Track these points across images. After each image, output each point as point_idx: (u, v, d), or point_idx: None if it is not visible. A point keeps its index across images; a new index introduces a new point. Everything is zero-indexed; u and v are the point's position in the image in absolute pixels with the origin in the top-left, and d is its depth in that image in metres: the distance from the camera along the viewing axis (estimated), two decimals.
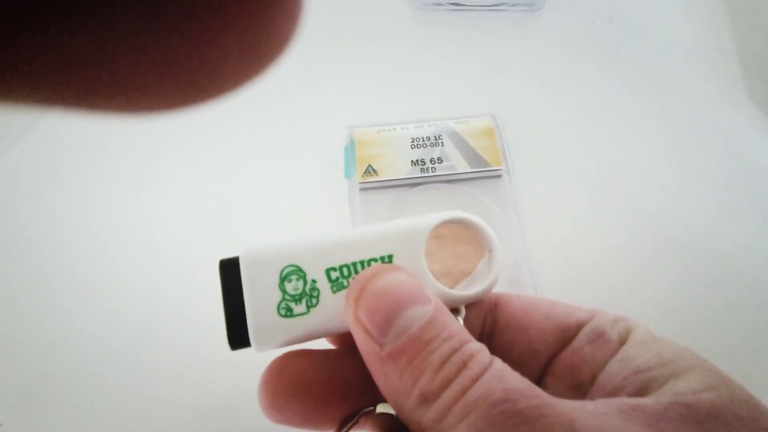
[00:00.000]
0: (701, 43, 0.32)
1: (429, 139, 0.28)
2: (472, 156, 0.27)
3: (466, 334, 0.13)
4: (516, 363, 0.14)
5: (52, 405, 0.24)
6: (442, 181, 0.27)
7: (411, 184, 0.27)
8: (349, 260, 0.14)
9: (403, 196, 0.26)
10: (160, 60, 0.06)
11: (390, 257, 0.14)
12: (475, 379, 0.11)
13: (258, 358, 0.16)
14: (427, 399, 0.12)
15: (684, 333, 0.25)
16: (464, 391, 0.11)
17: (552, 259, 0.26)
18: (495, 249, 0.15)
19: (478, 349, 0.12)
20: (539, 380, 0.15)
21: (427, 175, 0.27)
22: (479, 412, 0.11)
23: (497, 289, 0.16)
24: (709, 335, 0.25)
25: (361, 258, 0.14)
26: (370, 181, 0.27)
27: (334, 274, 0.14)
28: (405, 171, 0.27)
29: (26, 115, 0.30)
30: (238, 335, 0.14)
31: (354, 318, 0.13)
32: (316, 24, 0.32)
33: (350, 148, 0.28)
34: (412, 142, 0.28)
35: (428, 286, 0.14)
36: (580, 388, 0.14)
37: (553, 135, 0.29)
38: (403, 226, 0.14)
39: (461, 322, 0.15)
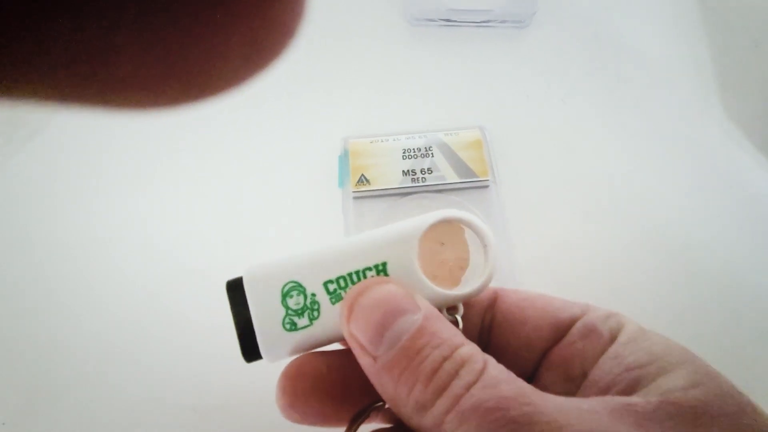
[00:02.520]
0: (680, 61, 0.34)
1: (420, 150, 0.29)
2: (461, 167, 0.28)
3: (457, 338, 0.13)
4: (513, 357, 0.16)
5: (53, 405, 0.25)
6: (431, 191, 0.28)
7: (402, 193, 0.28)
8: (344, 272, 0.14)
9: (394, 205, 0.28)
10: (162, 56, 0.06)
11: (384, 264, 0.14)
12: (468, 387, 0.12)
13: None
14: (423, 407, 0.12)
15: (665, 332, 0.26)
16: (458, 399, 0.12)
17: (536, 265, 0.27)
18: (489, 245, 0.15)
19: (469, 353, 0.12)
20: (534, 373, 0.16)
21: (417, 185, 0.28)
22: (475, 419, 0.11)
23: (495, 284, 0.16)
24: (690, 335, 0.26)
25: (356, 268, 0.14)
26: (363, 190, 0.28)
27: (331, 287, 0.14)
28: (396, 181, 0.28)
29: (35, 118, 0.31)
30: (250, 350, 0.15)
31: (348, 334, 0.14)
32: (313, 37, 0.34)
33: (344, 158, 0.29)
34: (404, 153, 0.29)
35: (421, 291, 0.14)
36: (573, 381, 0.15)
37: (538, 147, 0.31)
38: (395, 231, 0.15)
39: (459, 320, 0.15)
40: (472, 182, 0.28)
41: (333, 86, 0.33)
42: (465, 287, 0.15)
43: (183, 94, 0.07)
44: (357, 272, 0.14)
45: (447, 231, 0.26)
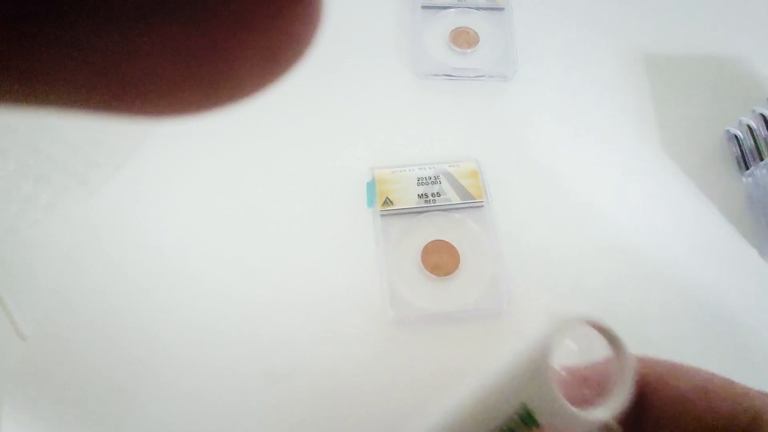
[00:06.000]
0: (628, 108, 0.43)
1: (430, 178, 0.37)
2: (462, 191, 0.37)
3: None
4: None
5: (151, 383, 0.32)
6: (440, 210, 0.36)
7: (418, 212, 0.36)
8: (490, 429, 0.13)
9: (412, 221, 0.36)
10: (182, 62, 0.06)
11: (524, 407, 0.13)
12: None
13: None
14: None
15: (636, 331, 0.34)
16: None
17: (522, 268, 0.36)
18: (623, 349, 0.14)
19: None
20: None
21: (429, 205, 0.36)
22: None
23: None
24: (642, 325, 0.35)
25: (499, 424, 0.13)
26: (389, 209, 0.36)
27: None
28: (413, 202, 0.36)
29: (124, 143, 0.39)
30: None
31: None
32: (339, 85, 0.42)
33: (372, 184, 0.38)
34: (418, 180, 0.37)
35: (570, 422, 0.13)
36: None
37: (520, 176, 0.39)
38: (519, 367, 0.13)
39: None
40: (470, 203, 0.37)
41: (359, 126, 0.41)
42: (605, 408, 0.13)
43: (202, 100, 0.07)
44: (502, 430, 0.13)
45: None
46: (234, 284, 0.35)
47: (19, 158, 0.35)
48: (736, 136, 0.41)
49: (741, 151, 0.40)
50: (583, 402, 0.14)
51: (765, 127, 0.38)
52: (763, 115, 0.38)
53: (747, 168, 0.39)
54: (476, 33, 0.45)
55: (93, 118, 0.06)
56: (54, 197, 0.37)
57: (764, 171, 0.37)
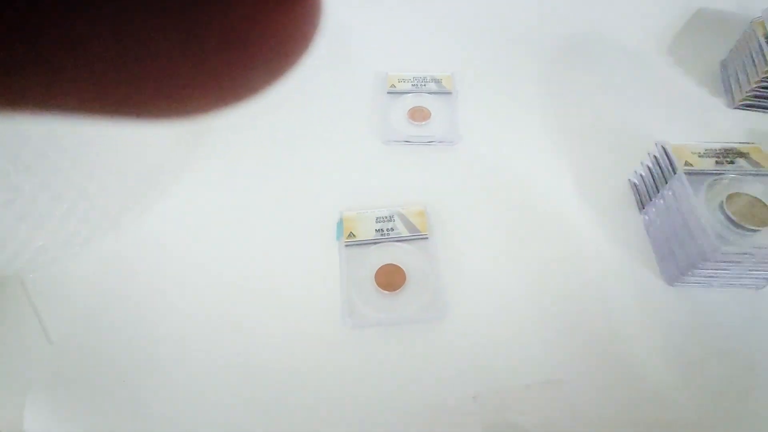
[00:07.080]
0: (547, 166, 0.54)
1: (386, 217, 0.47)
2: (411, 227, 0.47)
3: None
4: None
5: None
6: (392, 241, 0.46)
7: (374, 242, 0.46)
8: None
9: (370, 251, 0.45)
10: (189, 62, 0.06)
11: None
12: None
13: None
14: None
15: (565, 337, 0.42)
16: None
17: (457, 284, 0.44)
18: None
19: None
20: None
21: (383, 237, 0.46)
22: None
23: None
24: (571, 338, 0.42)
25: None
26: (351, 241, 0.46)
27: None
28: (371, 235, 0.46)
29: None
30: None
31: None
32: (320, 146, 0.54)
33: (340, 223, 0.47)
34: (377, 219, 0.47)
35: None
36: None
37: (461, 216, 0.49)
38: None
39: None
40: (417, 236, 0.46)
41: (333, 178, 0.52)
42: None
43: (210, 99, 0.07)
44: None
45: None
46: (227, 302, 0.44)
47: (72, 199, 0.46)
48: (635, 184, 0.50)
49: (639, 195, 0.49)
50: None
51: (650, 176, 0.47)
52: (648, 166, 0.48)
53: (644, 208, 0.48)
54: (429, 110, 0.57)
55: (102, 121, 0.07)
56: (91, 234, 0.48)
57: (653, 210, 0.46)
